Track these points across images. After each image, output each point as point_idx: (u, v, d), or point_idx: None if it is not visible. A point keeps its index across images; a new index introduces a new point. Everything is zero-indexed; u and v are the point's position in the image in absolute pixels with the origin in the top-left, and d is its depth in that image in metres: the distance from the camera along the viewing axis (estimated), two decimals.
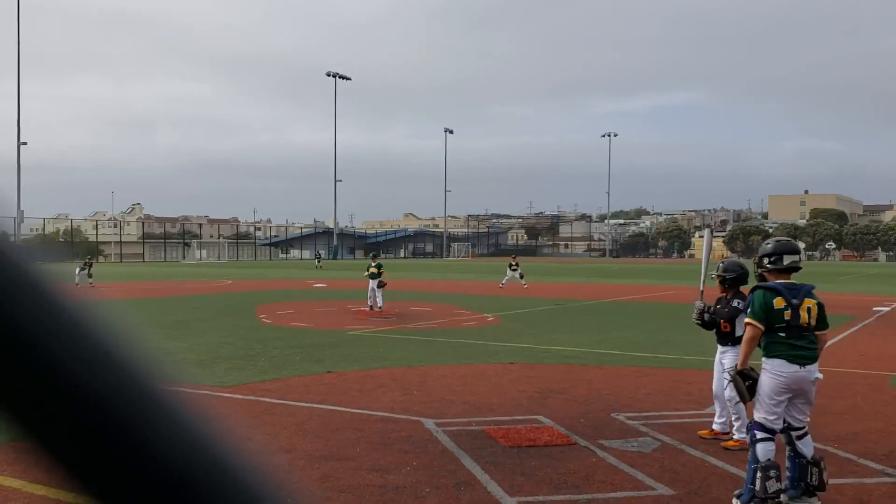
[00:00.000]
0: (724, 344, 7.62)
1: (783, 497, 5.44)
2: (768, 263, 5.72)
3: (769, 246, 5.79)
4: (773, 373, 5.48)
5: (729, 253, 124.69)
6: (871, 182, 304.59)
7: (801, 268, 5.81)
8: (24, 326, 0.42)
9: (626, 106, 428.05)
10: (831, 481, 5.93)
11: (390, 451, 6.77)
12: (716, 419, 7.52)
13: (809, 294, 5.60)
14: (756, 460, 5.38)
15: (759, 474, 5.31)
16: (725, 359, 7.50)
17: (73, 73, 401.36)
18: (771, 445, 5.45)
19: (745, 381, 5.64)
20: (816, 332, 5.59)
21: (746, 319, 5.67)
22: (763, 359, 5.60)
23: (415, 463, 6.44)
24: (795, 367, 5.45)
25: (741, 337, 7.44)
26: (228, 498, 0.43)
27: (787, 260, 5.67)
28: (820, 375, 5.59)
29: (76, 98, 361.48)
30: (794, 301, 5.49)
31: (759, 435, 5.45)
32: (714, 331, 7.68)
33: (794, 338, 5.46)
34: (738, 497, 5.49)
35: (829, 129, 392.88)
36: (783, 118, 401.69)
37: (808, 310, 5.52)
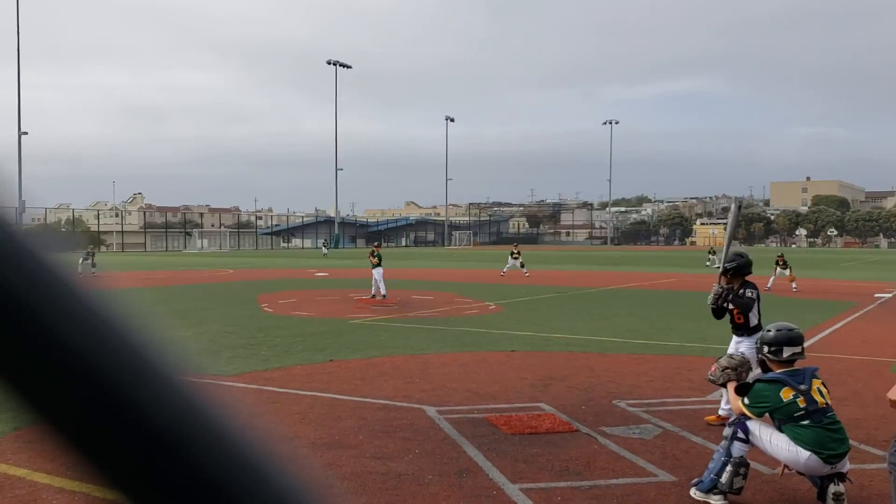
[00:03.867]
0: (740, 334, 7.67)
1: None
2: (768, 353, 5.55)
3: (770, 334, 5.57)
4: (804, 461, 5.16)
5: None
6: (873, 169, 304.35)
7: (804, 358, 5.56)
8: (42, 314, 0.42)
9: (629, 94, 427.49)
10: None
11: (393, 439, 6.79)
12: (722, 404, 7.52)
13: (815, 376, 5.38)
14: (730, 455, 5.33)
15: (729, 468, 5.27)
16: (742, 347, 7.54)
17: (89, 63, 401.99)
18: (747, 448, 5.37)
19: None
20: None
21: (741, 406, 5.40)
22: (791, 439, 5.23)
23: (417, 450, 6.46)
24: (827, 468, 5.13)
25: (756, 327, 7.50)
26: (251, 489, 0.43)
27: (786, 352, 5.47)
28: (846, 468, 5.19)
29: (86, 87, 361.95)
30: (803, 387, 5.24)
31: (742, 436, 5.37)
32: (729, 320, 7.74)
33: (821, 424, 5.14)
34: (697, 486, 5.41)
35: (833, 117, 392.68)
36: (787, 106, 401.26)
37: (819, 390, 5.28)
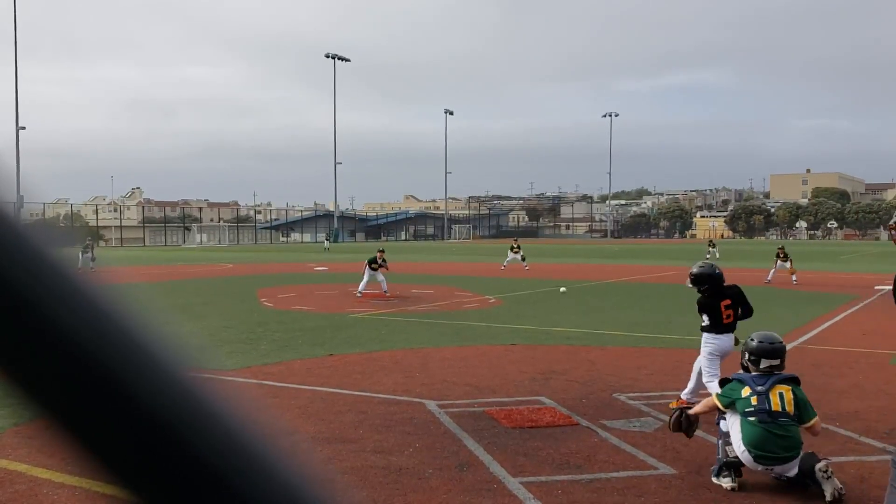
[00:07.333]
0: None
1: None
2: (748, 360, 5.90)
3: (753, 344, 5.89)
4: (740, 455, 5.54)
5: (731, 233, 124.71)
6: (873, 161, 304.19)
7: (782, 369, 5.84)
8: (43, 309, 0.41)
9: (631, 87, 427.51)
10: (833, 459, 5.97)
11: (393, 433, 6.79)
12: (684, 392, 7.94)
13: (782, 381, 5.67)
14: (721, 432, 5.80)
15: (720, 442, 5.74)
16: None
17: (99, 58, 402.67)
18: None
19: (682, 421, 6.06)
20: (802, 425, 5.57)
21: (714, 396, 5.91)
22: (736, 432, 5.60)
23: (417, 444, 6.46)
24: (759, 467, 5.47)
25: (704, 327, 7.85)
26: (253, 483, 0.43)
27: (763, 364, 5.79)
28: (793, 473, 5.43)
29: (95, 83, 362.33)
30: (760, 388, 5.60)
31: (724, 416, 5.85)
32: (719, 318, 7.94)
33: (766, 424, 5.45)
34: (713, 473, 5.71)
35: (836, 110, 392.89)
36: (791, 98, 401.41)
37: (781, 395, 5.56)
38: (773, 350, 5.84)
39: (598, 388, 8.67)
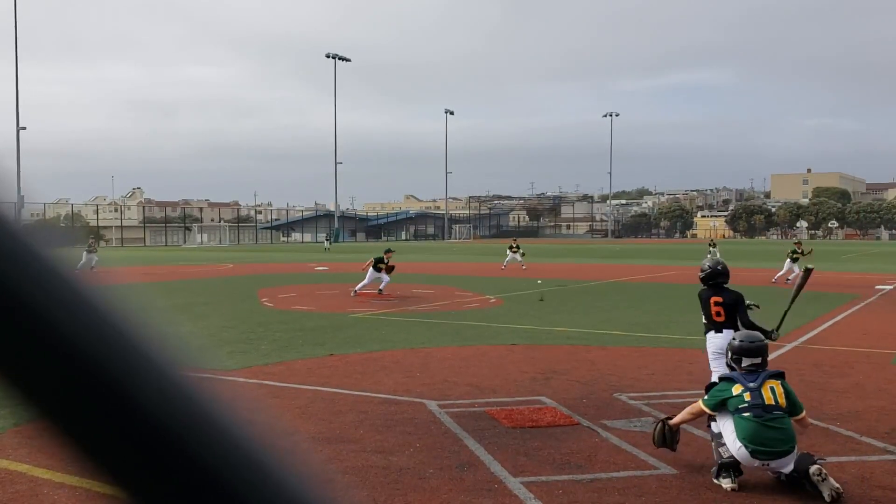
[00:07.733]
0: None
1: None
2: (732, 359, 6.09)
3: (735, 343, 6.12)
4: (735, 452, 5.58)
5: (732, 233, 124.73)
6: (874, 160, 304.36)
7: (764, 367, 5.97)
8: (42, 310, 0.41)
9: (632, 86, 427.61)
10: (833, 459, 5.98)
11: (393, 433, 6.79)
12: None
13: (771, 377, 5.82)
14: (713, 433, 5.86)
15: (713, 443, 5.82)
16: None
17: (101, 58, 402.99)
18: None
19: (666, 434, 6.08)
20: (793, 418, 5.69)
21: (700, 402, 6.01)
22: (730, 432, 5.64)
23: (418, 444, 6.46)
24: (755, 463, 5.52)
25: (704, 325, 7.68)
26: (252, 483, 0.43)
27: (745, 362, 5.97)
28: (788, 469, 5.47)
29: (97, 83, 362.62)
30: (752, 384, 5.72)
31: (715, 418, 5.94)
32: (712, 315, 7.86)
33: (762, 419, 5.53)
34: (713, 475, 5.75)
35: (839, 109, 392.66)
36: (793, 98, 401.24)
37: (772, 389, 5.70)
38: (752, 350, 6.02)
39: (599, 388, 8.67)
